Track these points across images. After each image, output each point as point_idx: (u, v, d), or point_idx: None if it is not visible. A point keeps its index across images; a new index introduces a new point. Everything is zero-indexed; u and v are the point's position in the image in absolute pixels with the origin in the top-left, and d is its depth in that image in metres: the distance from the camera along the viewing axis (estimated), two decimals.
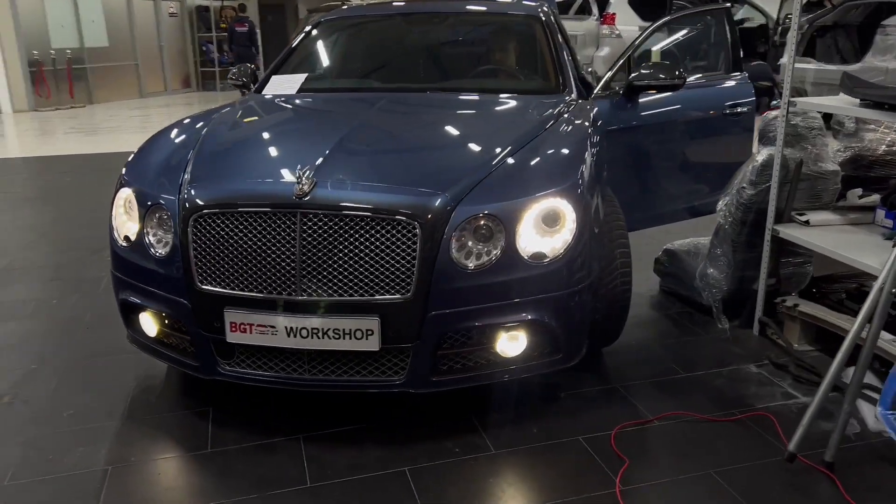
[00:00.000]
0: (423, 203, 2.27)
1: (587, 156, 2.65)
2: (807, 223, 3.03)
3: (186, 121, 3.08)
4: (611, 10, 11.21)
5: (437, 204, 2.28)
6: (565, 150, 2.65)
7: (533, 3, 3.93)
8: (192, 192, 2.40)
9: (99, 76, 14.28)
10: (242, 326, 2.33)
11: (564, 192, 2.43)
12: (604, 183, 2.75)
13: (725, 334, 3.24)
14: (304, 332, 2.28)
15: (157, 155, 2.75)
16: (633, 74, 3.50)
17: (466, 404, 2.64)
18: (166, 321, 2.55)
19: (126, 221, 2.61)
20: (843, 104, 2.68)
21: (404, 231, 2.24)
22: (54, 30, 13.34)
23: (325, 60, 3.91)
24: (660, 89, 3.50)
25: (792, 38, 2.90)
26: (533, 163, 2.55)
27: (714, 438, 2.44)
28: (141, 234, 2.52)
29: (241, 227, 2.31)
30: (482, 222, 2.33)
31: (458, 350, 2.39)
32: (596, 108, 3.29)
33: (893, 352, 2.53)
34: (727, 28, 4.06)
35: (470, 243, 2.32)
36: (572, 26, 11.76)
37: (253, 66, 3.98)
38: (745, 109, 3.86)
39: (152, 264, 2.47)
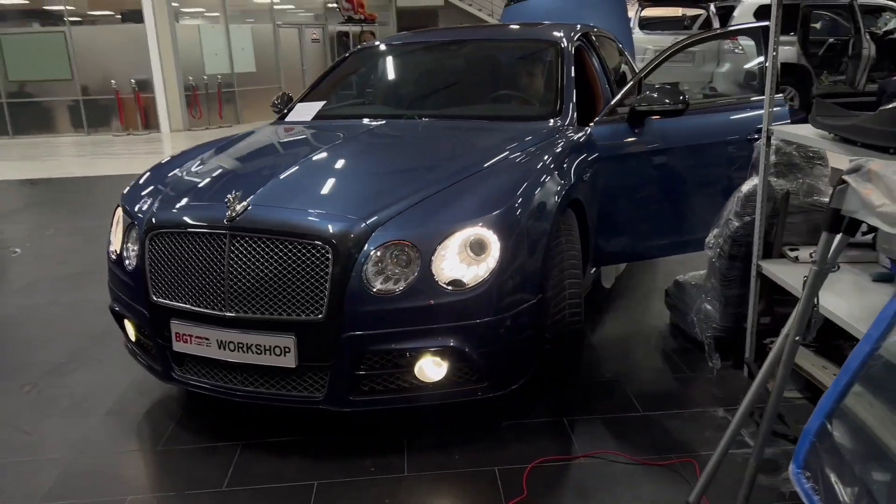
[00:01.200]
0: (336, 227, 2.38)
1: (533, 184, 2.64)
2: (796, 259, 2.80)
3: (192, 147, 3.39)
4: (734, 25, 10.62)
5: (350, 228, 2.38)
6: (508, 179, 2.66)
7: (557, 32, 3.90)
8: (153, 212, 2.67)
9: (246, 98, 15.59)
10: (184, 337, 2.55)
11: (489, 221, 2.45)
12: (557, 211, 2.70)
13: (713, 374, 3.05)
14: (231, 346, 2.47)
15: (152, 178, 3.07)
16: (636, 99, 3.40)
17: (403, 425, 2.70)
18: (139, 329, 2.83)
19: (119, 238, 2.93)
20: (813, 134, 2.46)
21: (317, 254, 2.36)
22: (208, 57, 14.75)
23: (346, 88, 4.12)
24: (663, 114, 3.38)
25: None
26: (469, 191, 2.58)
27: (631, 482, 2.33)
28: (122, 249, 2.82)
29: (184, 245, 2.53)
30: (399, 248, 2.40)
31: (377, 372, 2.47)
32: (583, 136, 3.24)
33: (814, 373, 2.30)
34: (764, 48, 3.80)
35: (388, 269, 2.39)
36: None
37: (289, 94, 4.26)
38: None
39: (127, 276, 2.76)
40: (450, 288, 2.39)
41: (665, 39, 11.21)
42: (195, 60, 14.52)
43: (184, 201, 2.67)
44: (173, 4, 14.06)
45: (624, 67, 5.04)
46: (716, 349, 3.10)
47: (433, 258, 2.39)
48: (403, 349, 2.42)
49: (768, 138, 2.73)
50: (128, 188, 3.06)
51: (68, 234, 6.02)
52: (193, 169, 3.01)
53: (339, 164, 2.90)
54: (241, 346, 2.45)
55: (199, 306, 2.50)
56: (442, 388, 2.50)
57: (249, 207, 2.48)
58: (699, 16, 12.03)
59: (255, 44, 15.73)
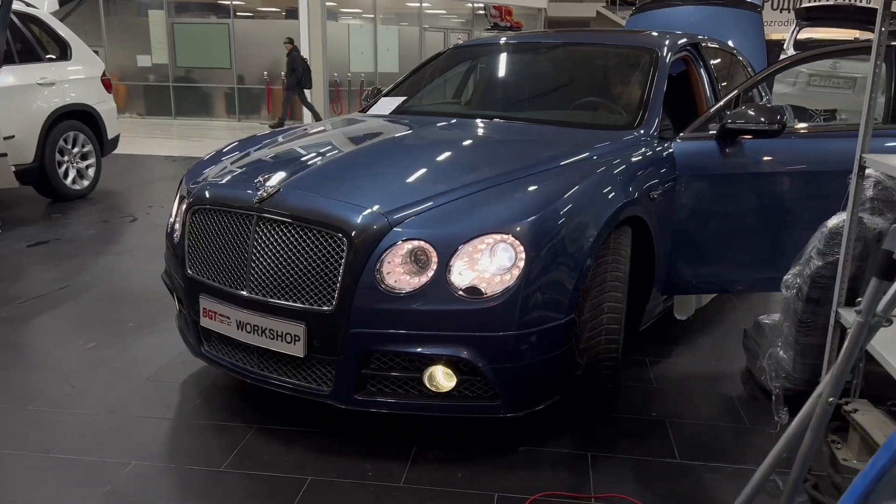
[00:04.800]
0: (355, 219, 2.30)
1: (577, 195, 2.44)
2: None
3: (266, 133, 3.45)
4: None
5: (369, 221, 2.29)
6: (549, 187, 2.47)
7: (657, 40, 3.62)
8: (199, 188, 2.72)
9: None
10: (210, 313, 2.57)
11: (516, 229, 2.28)
12: (604, 227, 2.48)
13: (776, 430, 2.68)
14: (248, 328, 2.46)
15: (216, 156, 3.14)
16: (729, 115, 3.08)
17: (416, 432, 2.58)
18: (179, 301, 2.90)
19: (174, 211, 3.02)
20: None
21: (333, 243, 2.30)
22: (354, 56, 15.33)
23: (431, 85, 4.04)
24: (756, 134, 3.03)
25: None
26: (503, 196, 2.43)
27: None
28: (174, 221, 2.91)
29: (218, 223, 2.55)
30: (417, 248, 2.28)
31: (385, 373, 2.36)
32: (660, 150, 2.98)
33: (878, 438, 1.91)
34: (893, 71, 3.34)
35: (401, 268, 2.29)
36: (853, 67, 10.28)
37: (379, 88, 4.26)
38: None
39: (173, 248, 2.84)
40: (466, 295, 2.25)
41: (823, 64, 10.30)
42: (342, 58, 15.12)
43: (226, 180, 2.70)
44: (328, 4, 14.69)
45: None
46: (784, 402, 2.73)
47: (451, 262, 2.26)
48: (412, 353, 2.30)
49: (861, 168, 2.36)
50: (194, 166, 3.15)
51: None
52: (253, 152, 3.05)
53: (382, 157, 2.82)
54: (256, 328, 2.43)
55: (224, 284, 2.52)
56: (452, 401, 2.36)
57: (280, 191, 2.46)
58: (870, 40, 10.95)
59: (401, 45, 16.16)
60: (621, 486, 2.32)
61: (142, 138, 12.29)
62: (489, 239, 2.28)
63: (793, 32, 10.73)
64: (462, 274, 2.26)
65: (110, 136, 7.19)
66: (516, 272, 2.26)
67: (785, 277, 2.71)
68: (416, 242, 2.28)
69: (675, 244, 3.08)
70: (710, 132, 3.15)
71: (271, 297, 2.39)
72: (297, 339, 2.36)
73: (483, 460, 2.44)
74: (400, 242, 2.28)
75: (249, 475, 2.34)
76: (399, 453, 2.48)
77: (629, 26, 6.23)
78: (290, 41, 13.27)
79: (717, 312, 3.93)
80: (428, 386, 2.35)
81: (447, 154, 2.83)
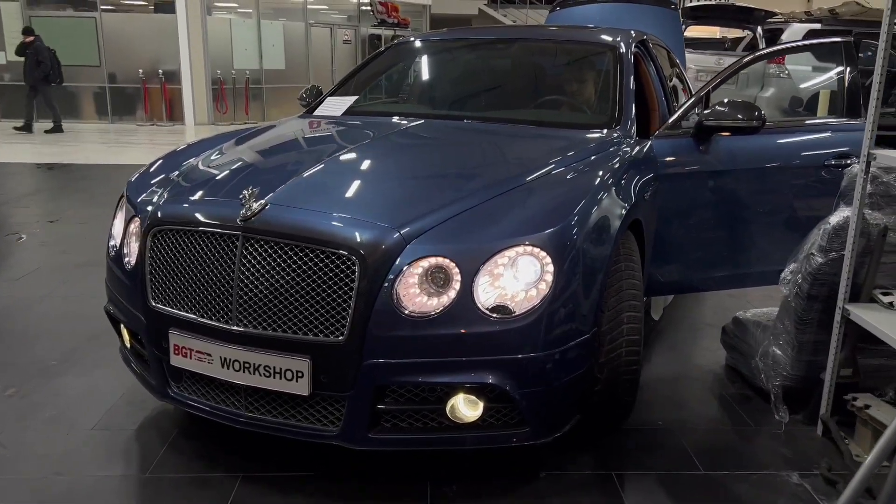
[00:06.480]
0: (365, 236, 2.04)
1: (593, 200, 2.29)
2: (890, 305, 2.42)
3: (211, 136, 3.08)
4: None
5: (382, 239, 2.04)
6: (564, 193, 2.31)
7: (615, 36, 3.55)
8: (157, 206, 2.35)
9: (273, 95, 15.35)
10: (184, 350, 2.22)
11: (543, 240, 2.10)
12: (618, 232, 2.35)
13: (781, 429, 2.67)
14: (236, 365, 2.13)
15: (162, 167, 2.76)
16: (704, 113, 3.04)
17: (427, 466, 2.35)
18: (134, 336, 2.51)
19: (120, 231, 2.61)
20: None
21: (342, 266, 2.03)
22: (238, 52, 14.55)
23: (382, 83, 3.80)
24: (734, 131, 3.01)
25: None
26: (518, 204, 2.24)
27: None
28: (122, 244, 2.51)
29: (190, 245, 2.21)
30: (436, 265, 2.05)
31: (402, 407, 2.12)
32: (644, 149, 2.89)
33: None
34: (845, 66, 3.44)
35: (419, 288, 2.05)
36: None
37: (319, 87, 3.95)
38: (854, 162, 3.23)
39: (125, 276, 2.44)
40: (494, 315, 2.04)
41: (707, 59, 10.85)
42: (224, 54, 14.32)
43: (194, 196, 2.35)
44: None
45: (675, 81, 4.68)
46: (784, 401, 2.73)
47: (475, 279, 2.04)
48: (434, 383, 2.07)
49: (867, 164, 2.36)
50: (135, 175, 2.74)
51: (76, 223, 5.75)
52: (209, 160, 2.70)
53: (370, 165, 2.56)
54: (247, 366, 2.11)
55: (203, 317, 2.17)
56: (476, 431, 2.15)
57: (267, 207, 2.15)
58: (742, 38, 11.63)
59: (286, 41, 15.52)
60: None
61: (3, 144, 11.09)
62: (512, 252, 2.08)
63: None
64: (488, 292, 2.05)
65: None
66: (544, 286, 2.08)
67: (782, 275, 2.70)
68: (433, 259, 2.05)
69: (656, 245, 3.02)
70: (685, 130, 3.11)
71: (266, 328, 2.09)
72: (299, 375, 2.06)
73: (507, 491, 2.25)
74: (417, 260, 2.04)
75: None
76: (414, 491, 2.24)
77: (549, 24, 6.18)
78: (30, 31, 12.05)
79: (675, 309, 3.93)
80: (450, 417, 2.13)
81: (440, 159, 2.61)
